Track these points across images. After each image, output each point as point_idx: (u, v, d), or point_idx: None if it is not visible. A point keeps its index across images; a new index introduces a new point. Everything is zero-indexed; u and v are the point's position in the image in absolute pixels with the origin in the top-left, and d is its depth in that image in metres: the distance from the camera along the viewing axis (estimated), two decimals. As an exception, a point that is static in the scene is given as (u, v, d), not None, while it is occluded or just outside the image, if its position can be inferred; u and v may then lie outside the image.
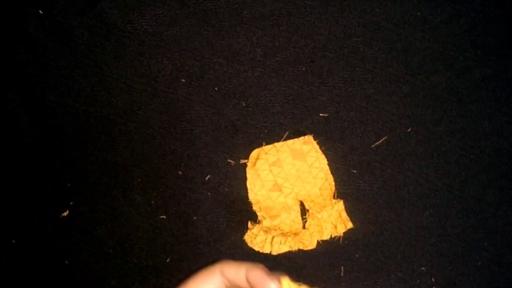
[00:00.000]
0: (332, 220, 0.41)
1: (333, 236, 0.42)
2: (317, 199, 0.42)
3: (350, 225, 0.42)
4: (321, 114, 0.44)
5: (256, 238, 0.42)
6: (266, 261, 0.42)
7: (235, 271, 0.31)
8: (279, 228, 0.42)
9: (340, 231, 0.42)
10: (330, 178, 0.42)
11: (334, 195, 0.42)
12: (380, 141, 0.44)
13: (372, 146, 0.44)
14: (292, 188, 0.42)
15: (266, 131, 0.44)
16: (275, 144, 0.43)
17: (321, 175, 0.42)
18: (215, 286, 0.31)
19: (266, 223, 0.42)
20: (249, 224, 0.42)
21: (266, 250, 0.42)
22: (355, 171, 0.43)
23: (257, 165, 0.42)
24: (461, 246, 0.43)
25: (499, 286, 0.43)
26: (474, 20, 0.44)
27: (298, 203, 0.42)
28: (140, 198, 0.44)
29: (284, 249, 0.41)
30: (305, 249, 0.41)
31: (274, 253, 0.42)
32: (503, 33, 0.45)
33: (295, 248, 0.41)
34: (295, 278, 0.43)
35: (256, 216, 0.43)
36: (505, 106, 0.44)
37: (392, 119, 0.44)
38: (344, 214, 0.42)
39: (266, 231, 0.42)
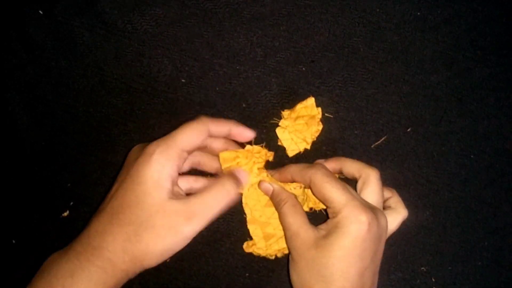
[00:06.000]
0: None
1: None
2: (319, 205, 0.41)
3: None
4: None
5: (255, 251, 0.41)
6: (266, 260, 0.42)
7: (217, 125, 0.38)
8: (276, 246, 0.41)
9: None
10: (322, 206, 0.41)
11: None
12: (380, 141, 0.44)
13: (372, 146, 0.44)
14: None
15: (266, 131, 0.44)
16: (269, 170, 0.41)
17: (310, 204, 0.41)
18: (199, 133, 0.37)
19: (260, 244, 0.41)
20: (244, 245, 0.41)
21: (271, 257, 0.41)
22: (355, 171, 0.43)
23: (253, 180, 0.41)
24: (461, 246, 0.43)
25: (499, 286, 0.43)
26: (474, 20, 0.44)
27: None
28: (140, 198, 0.44)
29: (285, 249, 0.41)
30: None
31: (277, 254, 0.41)
32: (503, 33, 0.45)
33: None
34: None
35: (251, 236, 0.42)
36: (505, 106, 0.44)
37: (392, 119, 0.44)
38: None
39: (262, 254, 0.41)
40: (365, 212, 0.34)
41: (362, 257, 0.33)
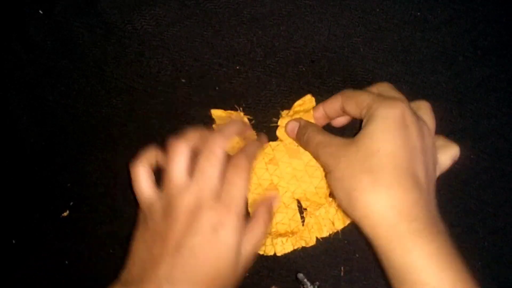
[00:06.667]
0: (330, 217, 0.41)
1: (331, 232, 0.42)
2: (313, 198, 0.42)
3: (347, 221, 0.41)
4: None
5: None
6: (266, 260, 0.42)
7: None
8: (276, 229, 0.42)
9: (338, 227, 0.41)
10: None
11: (330, 194, 0.42)
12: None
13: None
14: (288, 187, 0.42)
15: (265, 131, 0.44)
16: (270, 143, 0.43)
17: (317, 173, 0.42)
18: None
19: None
20: None
21: (270, 252, 0.41)
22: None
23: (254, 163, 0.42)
24: (461, 246, 0.43)
25: (499, 286, 0.43)
26: (474, 20, 0.44)
27: (295, 201, 0.42)
28: (140, 198, 0.44)
29: (288, 248, 0.41)
30: (307, 246, 0.41)
31: (278, 254, 0.42)
32: (503, 33, 0.45)
33: (297, 246, 0.41)
34: (295, 278, 0.43)
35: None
36: (505, 106, 0.44)
37: (392, 119, 0.44)
38: (341, 211, 0.42)
39: None
40: (401, 101, 0.32)
41: (406, 135, 0.31)
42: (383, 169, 0.30)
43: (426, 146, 0.33)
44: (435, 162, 0.34)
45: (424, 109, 0.36)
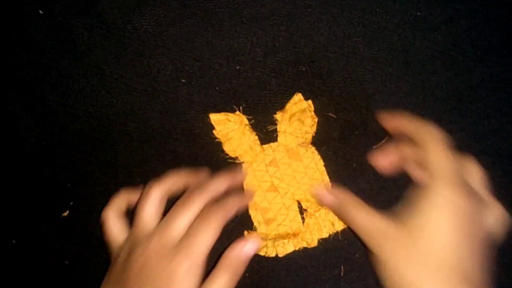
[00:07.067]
0: (330, 218, 0.41)
1: (331, 233, 0.42)
2: (313, 199, 0.42)
3: None
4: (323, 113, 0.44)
5: None
6: (266, 260, 0.42)
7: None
8: (277, 232, 0.42)
9: (338, 228, 0.41)
10: (326, 179, 0.42)
11: None
12: (381, 142, 0.44)
13: (374, 147, 0.44)
14: (288, 188, 0.42)
15: (265, 131, 0.44)
16: (271, 144, 0.43)
17: (316, 175, 0.42)
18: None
19: (261, 229, 0.42)
20: (245, 233, 0.42)
21: (271, 254, 0.41)
22: (355, 171, 0.43)
23: (254, 165, 0.42)
24: (461, 246, 0.43)
25: (499, 286, 0.43)
26: (474, 20, 0.44)
27: (296, 203, 0.42)
28: (140, 198, 0.44)
29: (289, 249, 0.41)
30: (309, 247, 0.41)
31: (280, 255, 0.42)
32: (503, 33, 0.45)
33: (299, 246, 0.41)
34: (295, 278, 0.43)
35: (252, 223, 0.42)
36: (505, 106, 0.44)
37: (392, 119, 0.44)
38: None
39: (263, 238, 0.41)
40: (464, 192, 0.30)
41: (462, 231, 0.30)
42: (429, 265, 0.29)
43: (481, 230, 0.31)
44: (488, 238, 0.32)
45: (473, 172, 0.34)
